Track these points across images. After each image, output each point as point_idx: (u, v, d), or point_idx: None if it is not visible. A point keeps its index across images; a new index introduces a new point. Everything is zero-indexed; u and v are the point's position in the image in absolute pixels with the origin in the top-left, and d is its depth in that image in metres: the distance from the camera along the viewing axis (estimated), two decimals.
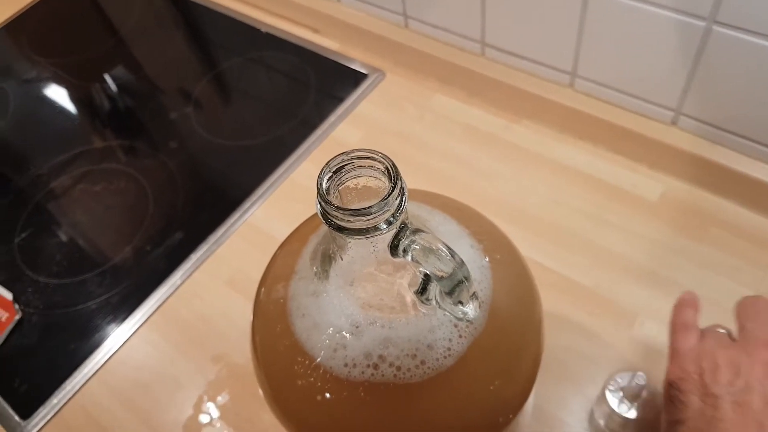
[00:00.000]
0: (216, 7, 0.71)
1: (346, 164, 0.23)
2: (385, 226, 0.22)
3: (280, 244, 0.33)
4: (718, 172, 0.48)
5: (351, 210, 0.21)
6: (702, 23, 0.42)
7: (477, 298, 0.24)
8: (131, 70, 0.68)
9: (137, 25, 0.72)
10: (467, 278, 0.23)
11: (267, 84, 0.64)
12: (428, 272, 0.23)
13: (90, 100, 0.66)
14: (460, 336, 0.26)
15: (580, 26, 0.48)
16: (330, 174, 0.23)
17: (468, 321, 0.24)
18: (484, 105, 0.57)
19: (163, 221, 0.54)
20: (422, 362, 0.25)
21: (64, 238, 0.55)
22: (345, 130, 0.58)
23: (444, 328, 0.26)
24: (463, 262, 0.22)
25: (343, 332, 0.26)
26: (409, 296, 0.26)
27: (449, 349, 0.26)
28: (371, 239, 0.23)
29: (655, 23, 0.44)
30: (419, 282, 0.25)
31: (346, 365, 0.26)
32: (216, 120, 0.61)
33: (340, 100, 0.59)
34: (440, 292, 0.24)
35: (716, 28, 0.41)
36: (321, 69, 0.63)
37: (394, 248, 0.23)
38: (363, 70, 0.61)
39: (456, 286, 0.23)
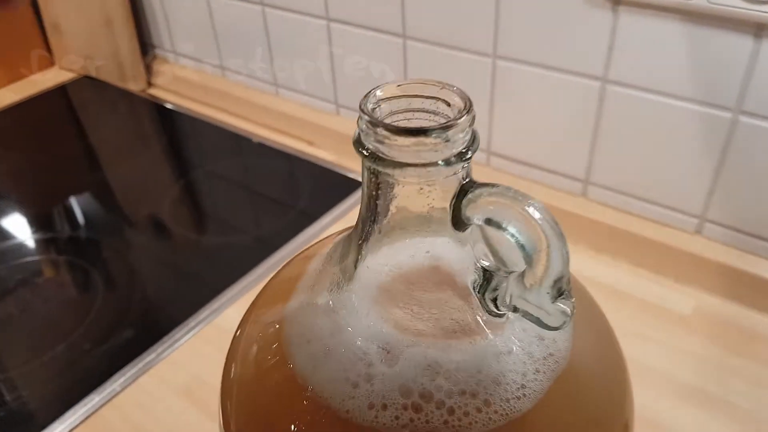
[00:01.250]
0: (207, 119, 0.69)
1: (399, 97, 0.17)
2: (443, 165, 0.16)
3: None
4: (752, 284, 0.43)
5: (404, 129, 0.15)
6: (728, 114, 0.40)
7: (572, 297, 0.16)
8: (103, 167, 0.63)
9: (117, 131, 0.70)
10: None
11: (253, 186, 0.60)
12: (517, 238, 0.16)
13: (51, 193, 0.60)
14: (537, 371, 0.18)
15: (594, 127, 0.46)
16: (374, 106, 0.17)
17: (563, 328, 0.16)
18: None
19: (111, 317, 0.45)
20: (486, 403, 0.17)
21: None
22: (339, 228, 0.52)
23: (514, 358, 0.18)
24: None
25: (369, 358, 0.18)
26: (467, 311, 0.18)
27: (523, 386, 0.18)
28: (426, 185, 0.16)
29: (676, 117, 0.42)
30: (479, 277, 0.18)
31: (371, 406, 0.17)
32: (195, 216, 0.56)
33: (333, 204, 0.55)
34: (521, 284, 0.17)
35: (743, 118, 0.40)
36: (314, 177, 0.59)
37: (457, 201, 0.16)
38: (358, 178, 0.58)
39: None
